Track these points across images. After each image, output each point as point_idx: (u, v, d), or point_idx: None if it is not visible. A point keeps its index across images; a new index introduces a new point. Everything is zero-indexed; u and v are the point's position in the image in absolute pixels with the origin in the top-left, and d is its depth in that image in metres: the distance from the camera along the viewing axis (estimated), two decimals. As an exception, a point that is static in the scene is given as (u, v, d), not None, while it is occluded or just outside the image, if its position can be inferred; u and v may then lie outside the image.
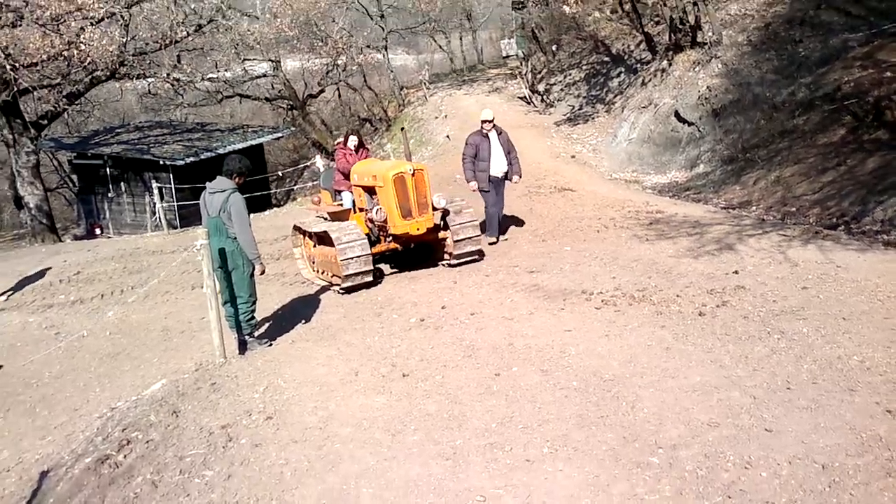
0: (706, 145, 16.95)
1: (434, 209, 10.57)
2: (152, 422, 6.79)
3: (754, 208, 12.95)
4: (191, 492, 5.51)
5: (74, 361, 9.83)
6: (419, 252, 11.38)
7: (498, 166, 11.92)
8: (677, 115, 18.15)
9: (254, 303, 8.37)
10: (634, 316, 7.78)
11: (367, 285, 10.25)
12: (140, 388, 8.02)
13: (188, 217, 22.48)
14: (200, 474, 5.73)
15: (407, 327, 8.40)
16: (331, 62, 29.68)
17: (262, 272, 8.26)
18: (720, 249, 10.01)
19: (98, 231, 25.28)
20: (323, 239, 10.85)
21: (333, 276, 10.70)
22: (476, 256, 11.02)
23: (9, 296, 13.82)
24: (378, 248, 10.76)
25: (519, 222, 13.17)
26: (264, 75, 29.80)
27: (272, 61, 28.35)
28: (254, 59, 28.79)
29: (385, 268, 11.23)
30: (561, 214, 13.40)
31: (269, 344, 8.51)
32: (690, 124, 17.75)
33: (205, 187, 8.24)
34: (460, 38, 39.40)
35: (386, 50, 30.61)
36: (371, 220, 10.59)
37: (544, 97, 25.35)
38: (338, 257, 10.00)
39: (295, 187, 28.99)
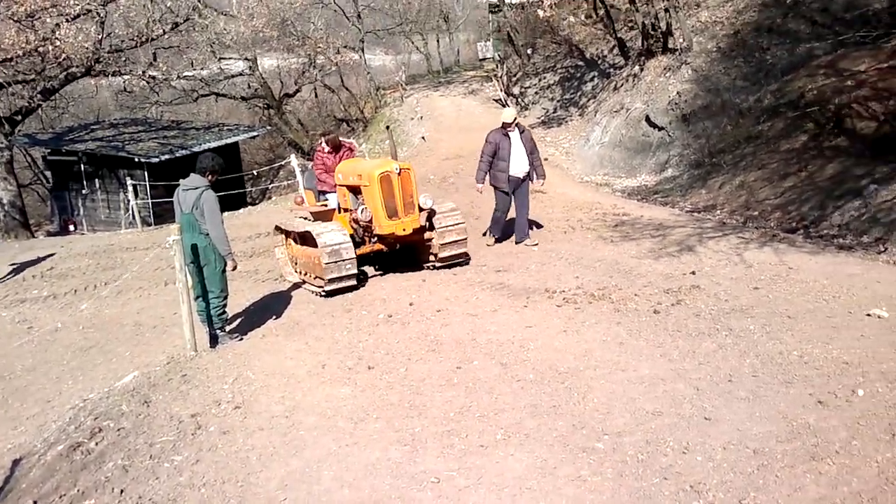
0: (675, 150, 17.40)
1: (420, 209, 10.39)
2: (124, 411, 7.05)
3: (719, 212, 13.38)
4: (160, 475, 5.79)
5: (47, 355, 10.05)
6: (403, 254, 11.24)
7: (518, 166, 11.44)
8: (648, 119, 18.60)
9: (225, 298, 8.64)
10: (593, 313, 8.14)
11: (351, 288, 10.13)
12: (112, 381, 8.27)
13: (162, 214, 22.65)
14: (170, 459, 6.01)
15: (375, 323, 8.71)
16: (308, 62, 29.91)
17: (234, 268, 8.54)
18: (680, 251, 10.41)
19: (72, 227, 25.36)
20: (306, 239, 10.70)
21: (316, 277, 10.47)
22: (462, 259, 10.90)
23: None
24: (363, 250, 10.53)
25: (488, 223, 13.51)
26: (241, 74, 29.98)
27: (248, 60, 28.55)
28: (230, 58, 28.96)
29: (369, 270, 11.18)
30: (531, 215, 13.72)
31: (239, 338, 8.78)
32: (661, 129, 18.19)
33: (179, 184, 8.52)
34: (437, 40, 39.75)
35: (363, 50, 30.90)
36: (356, 221, 10.40)
37: (519, 100, 25.75)
38: (321, 259, 9.81)
39: (270, 186, 29.20)
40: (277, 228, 11.81)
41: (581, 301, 8.59)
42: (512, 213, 11.98)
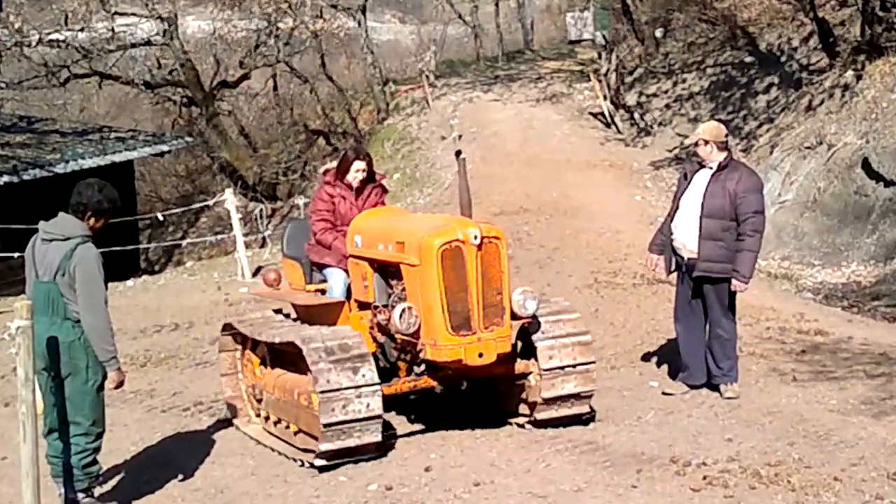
0: (917, 222, 17.48)
1: (514, 317, 9.79)
2: None
3: None
4: None
5: None
6: (469, 394, 10.60)
7: (684, 234, 10.98)
8: (867, 165, 18.68)
9: (99, 436, 8.67)
10: (758, 508, 8.12)
11: (367, 453, 9.49)
12: None
13: (-10, 279, 22.83)
14: None
15: (360, 500, 8.71)
16: (266, 29, 30.44)
17: (119, 385, 8.57)
18: (921, 406, 10.41)
19: None
20: (284, 356, 10.31)
21: (300, 432, 9.95)
22: (584, 408, 10.36)
23: None
24: (397, 386, 9.92)
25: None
26: (147, 43, 30.54)
27: (163, 20, 29.12)
28: (130, 15, 29.53)
29: (398, 420, 10.82)
30: (648, 324, 13.81)
31: (116, 510, 8.83)
32: (890, 184, 18.25)
33: (35, 230, 8.64)
34: (496, 5, 40.36)
35: (363, 13, 31.44)
36: (382, 329, 9.97)
37: (636, 116, 26.04)
38: (313, 399, 9.30)
39: (184, 242, 29.46)
40: (229, 329, 11.46)
41: (736, 484, 8.56)
42: None
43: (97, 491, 8.88)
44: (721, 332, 10.94)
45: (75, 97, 37.25)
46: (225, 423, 11.17)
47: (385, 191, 11.32)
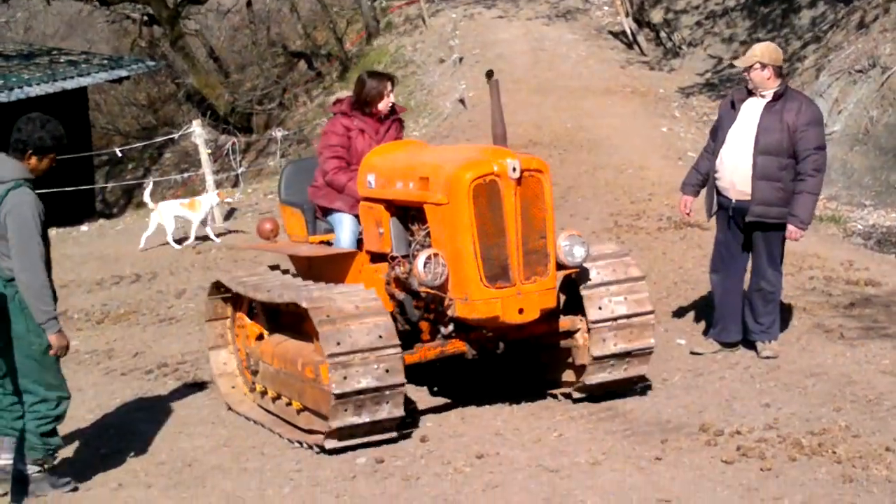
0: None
1: (560, 266, 9.58)
2: None
3: None
4: None
5: None
6: (503, 361, 10.47)
7: (733, 173, 10.92)
8: (927, 91, 18.67)
9: (60, 401, 8.59)
10: (798, 481, 8.11)
11: (381, 434, 9.23)
12: None
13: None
14: None
15: (348, 474, 8.72)
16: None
17: (64, 349, 8.48)
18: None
19: None
20: (285, 317, 10.32)
21: (305, 409, 9.69)
22: (641, 370, 10.21)
23: None
24: (421, 353, 9.65)
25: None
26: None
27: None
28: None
29: (417, 393, 10.70)
30: (675, 273, 13.82)
31: (70, 487, 8.80)
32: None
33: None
34: None
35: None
36: (401, 283, 9.68)
37: (662, 35, 25.95)
38: (321, 372, 8.94)
39: (146, 181, 29.43)
40: (219, 288, 11.20)
41: (774, 455, 8.56)
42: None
43: (48, 465, 8.84)
44: (764, 285, 10.96)
45: (19, 15, 37.08)
46: (193, 388, 11.16)
47: (401, 124, 11.10)
